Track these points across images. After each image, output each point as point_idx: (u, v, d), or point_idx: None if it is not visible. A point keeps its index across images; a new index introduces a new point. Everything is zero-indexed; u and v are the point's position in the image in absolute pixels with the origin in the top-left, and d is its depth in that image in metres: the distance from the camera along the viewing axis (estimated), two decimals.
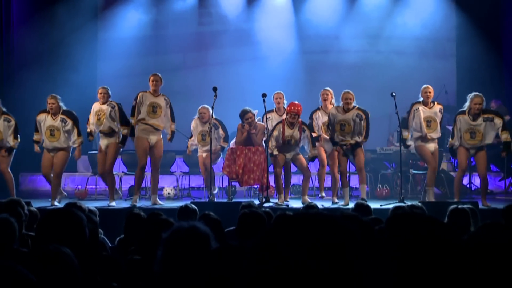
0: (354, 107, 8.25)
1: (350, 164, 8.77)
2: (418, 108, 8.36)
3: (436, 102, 8.52)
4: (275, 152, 8.20)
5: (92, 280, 2.51)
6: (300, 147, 8.43)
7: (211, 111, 8.50)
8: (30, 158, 9.69)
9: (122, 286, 2.78)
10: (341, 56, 12.11)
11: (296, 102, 8.34)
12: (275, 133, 8.19)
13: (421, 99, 8.44)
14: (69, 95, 9.73)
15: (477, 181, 10.63)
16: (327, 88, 8.84)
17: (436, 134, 8.38)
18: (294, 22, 12.39)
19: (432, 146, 8.41)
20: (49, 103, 8.34)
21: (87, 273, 2.36)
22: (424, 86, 8.48)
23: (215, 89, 8.18)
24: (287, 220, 1.16)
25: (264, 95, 8.22)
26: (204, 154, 8.86)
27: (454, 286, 1.37)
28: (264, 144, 8.32)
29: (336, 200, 8.55)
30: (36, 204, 7.15)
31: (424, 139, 8.35)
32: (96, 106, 8.53)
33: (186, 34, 12.53)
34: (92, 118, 8.51)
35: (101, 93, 8.52)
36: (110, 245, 4.72)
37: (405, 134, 8.46)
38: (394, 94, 8.26)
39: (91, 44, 12.09)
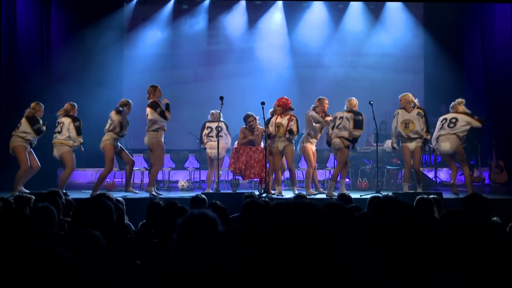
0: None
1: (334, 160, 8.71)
2: (398, 112, 8.13)
3: (417, 107, 8.11)
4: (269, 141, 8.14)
5: (118, 258, 2.51)
6: (291, 138, 8.17)
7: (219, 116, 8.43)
8: None
9: (144, 263, 2.77)
10: (327, 71, 12.11)
11: (284, 97, 8.32)
12: (270, 126, 8.15)
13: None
14: (100, 104, 9.76)
15: (442, 175, 10.65)
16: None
17: (415, 134, 7.96)
18: (287, 42, 12.39)
19: (412, 145, 7.97)
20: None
21: (114, 252, 2.35)
22: (402, 94, 8.23)
23: (221, 98, 8.16)
24: (271, 209, 1.16)
25: (262, 103, 8.20)
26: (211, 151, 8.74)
27: (422, 258, 1.37)
28: (263, 144, 8.30)
29: (321, 191, 8.53)
30: (72, 195, 7.16)
31: (404, 138, 8.01)
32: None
33: (197, 52, 12.53)
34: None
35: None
36: (134, 228, 4.71)
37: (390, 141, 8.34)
38: (371, 102, 8.23)
39: (118, 60, 12.08)
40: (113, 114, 8.11)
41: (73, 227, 2.66)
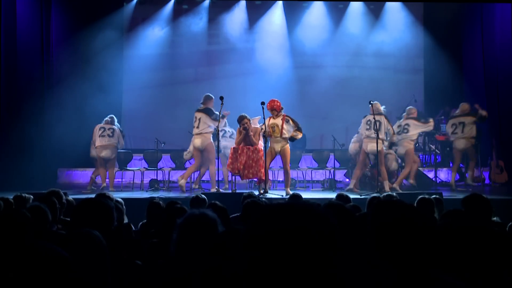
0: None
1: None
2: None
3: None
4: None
5: (118, 259, 2.51)
6: (286, 138, 8.26)
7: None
8: (67, 156, 9.68)
9: (144, 263, 2.77)
10: (327, 71, 12.10)
11: (275, 99, 8.33)
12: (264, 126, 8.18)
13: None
14: (100, 103, 9.73)
15: (442, 175, 10.64)
16: None
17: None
18: (287, 42, 12.39)
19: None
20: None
21: (114, 252, 2.35)
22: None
23: (221, 98, 8.16)
24: (271, 209, 1.16)
25: (262, 103, 8.19)
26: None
27: (422, 257, 1.37)
28: (262, 144, 8.29)
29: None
30: (72, 195, 7.15)
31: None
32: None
33: (197, 52, 12.53)
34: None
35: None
36: (134, 229, 4.71)
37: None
38: (371, 102, 8.24)
39: (118, 60, 12.07)
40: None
41: (73, 227, 2.65)
